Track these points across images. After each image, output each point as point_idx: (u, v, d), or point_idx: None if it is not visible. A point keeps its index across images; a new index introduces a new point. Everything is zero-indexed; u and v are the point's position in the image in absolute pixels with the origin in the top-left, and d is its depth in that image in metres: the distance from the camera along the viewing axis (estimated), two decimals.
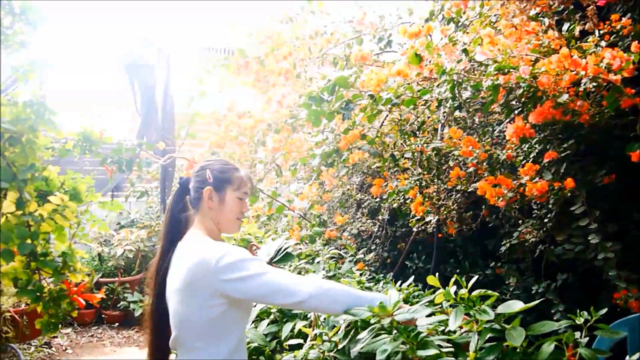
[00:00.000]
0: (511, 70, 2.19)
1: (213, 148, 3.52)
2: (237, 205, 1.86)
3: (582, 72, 2.03)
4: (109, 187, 6.41)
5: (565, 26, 2.41)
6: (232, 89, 3.56)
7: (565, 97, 2.13)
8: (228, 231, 1.90)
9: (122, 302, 5.74)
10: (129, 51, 5.97)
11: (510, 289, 3.08)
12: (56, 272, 1.46)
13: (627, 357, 2.03)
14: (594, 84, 2.09)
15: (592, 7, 2.06)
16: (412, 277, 2.70)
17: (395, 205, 3.40)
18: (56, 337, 4.99)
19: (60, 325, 1.94)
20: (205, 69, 3.41)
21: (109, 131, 2.88)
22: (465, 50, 2.35)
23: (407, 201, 3.24)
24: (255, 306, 2.50)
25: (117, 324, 5.71)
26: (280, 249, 2.12)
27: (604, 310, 1.64)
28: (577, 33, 2.30)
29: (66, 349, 4.93)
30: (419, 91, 2.47)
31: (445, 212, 3.06)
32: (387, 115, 3.27)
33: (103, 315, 5.76)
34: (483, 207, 3.16)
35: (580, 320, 1.61)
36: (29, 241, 1.41)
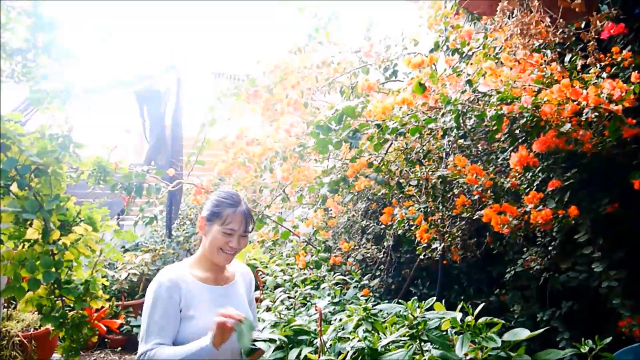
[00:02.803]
0: (514, 100, 2.25)
1: (221, 174, 3.58)
2: (221, 239, 1.93)
3: (584, 102, 2.08)
4: (114, 212, 6.42)
5: (567, 57, 2.47)
6: (241, 116, 3.64)
7: (567, 126, 2.18)
8: (213, 260, 1.99)
9: (125, 326, 5.71)
10: (139, 77, 6.02)
11: (515, 316, 3.07)
12: (78, 299, 1.51)
13: None
14: (596, 113, 2.13)
15: (592, 42, 2.12)
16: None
17: (400, 232, 3.42)
18: None
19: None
20: (215, 96, 3.49)
21: (118, 154, 2.94)
22: (469, 82, 2.40)
23: (412, 228, 3.26)
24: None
25: (119, 348, 5.67)
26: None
27: (609, 339, 1.66)
28: (579, 66, 2.36)
29: None
30: (424, 120, 2.53)
31: (449, 239, 3.09)
32: (391, 143, 3.32)
33: (106, 340, 5.72)
34: (487, 234, 3.18)
35: (585, 349, 1.63)
36: (53, 269, 1.45)
